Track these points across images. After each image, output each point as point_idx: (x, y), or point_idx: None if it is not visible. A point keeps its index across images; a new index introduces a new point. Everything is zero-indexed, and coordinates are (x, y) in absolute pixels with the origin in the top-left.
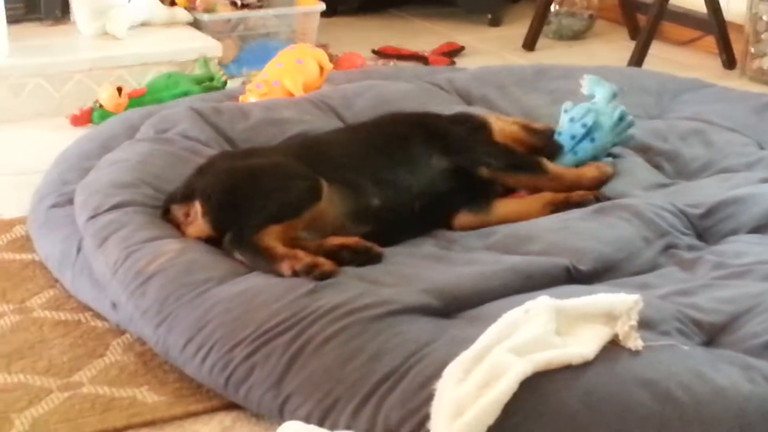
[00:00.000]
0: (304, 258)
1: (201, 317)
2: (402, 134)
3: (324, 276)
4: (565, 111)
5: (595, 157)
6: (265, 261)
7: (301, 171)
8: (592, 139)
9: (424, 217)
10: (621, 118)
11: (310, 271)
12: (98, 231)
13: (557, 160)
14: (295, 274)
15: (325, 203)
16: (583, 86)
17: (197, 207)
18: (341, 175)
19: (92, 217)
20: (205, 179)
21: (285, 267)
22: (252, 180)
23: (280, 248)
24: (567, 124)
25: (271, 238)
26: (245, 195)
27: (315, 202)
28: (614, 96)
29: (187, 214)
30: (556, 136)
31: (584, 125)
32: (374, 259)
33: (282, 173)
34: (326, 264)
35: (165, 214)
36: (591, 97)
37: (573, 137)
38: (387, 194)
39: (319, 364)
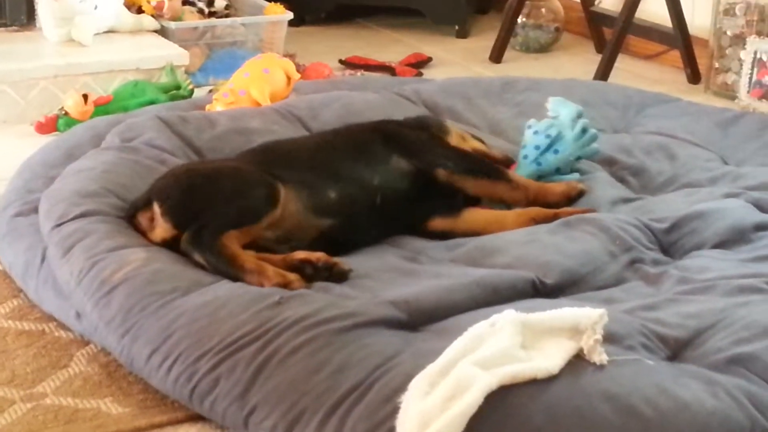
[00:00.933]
0: (274, 277)
1: (166, 327)
2: (360, 139)
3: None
4: (529, 127)
5: (558, 170)
6: (229, 267)
7: (258, 177)
8: (555, 151)
9: (389, 214)
10: (583, 131)
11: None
12: (63, 240)
13: (521, 172)
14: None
15: (282, 205)
16: (549, 108)
17: (156, 209)
18: (296, 176)
19: (57, 225)
20: (163, 181)
21: (254, 281)
22: (209, 180)
23: (249, 260)
24: (531, 136)
25: (235, 243)
26: (203, 194)
27: (272, 208)
28: (579, 116)
29: (151, 219)
30: (521, 149)
31: (548, 136)
32: (337, 276)
33: (240, 178)
34: (295, 282)
35: (131, 222)
36: (556, 117)
37: (537, 147)
38: (344, 187)
39: (284, 376)
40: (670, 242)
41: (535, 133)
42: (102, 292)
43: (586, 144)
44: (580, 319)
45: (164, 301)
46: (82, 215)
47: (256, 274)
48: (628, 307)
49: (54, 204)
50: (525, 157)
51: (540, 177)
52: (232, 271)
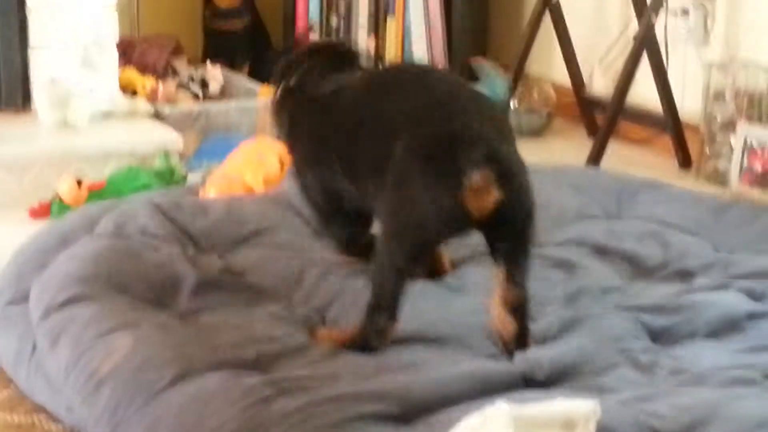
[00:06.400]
0: None
1: (151, 426)
2: None
3: None
4: None
5: None
6: None
7: None
8: None
9: None
10: None
11: None
12: (50, 331)
13: None
14: None
15: None
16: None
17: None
18: None
19: (44, 315)
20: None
21: None
22: None
23: None
24: None
25: None
26: None
27: None
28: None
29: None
30: None
31: None
32: None
33: None
34: None
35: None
36: None
37: None
38: None
39: None
40: (660, 331)
41: None
42: (89, 388)
43: None
44: (573, 413)
45: (150, 393)
46: (69, 301)
47: None
48: (623, 398)
49: (42, 292)
50: None
51: None
52: None
